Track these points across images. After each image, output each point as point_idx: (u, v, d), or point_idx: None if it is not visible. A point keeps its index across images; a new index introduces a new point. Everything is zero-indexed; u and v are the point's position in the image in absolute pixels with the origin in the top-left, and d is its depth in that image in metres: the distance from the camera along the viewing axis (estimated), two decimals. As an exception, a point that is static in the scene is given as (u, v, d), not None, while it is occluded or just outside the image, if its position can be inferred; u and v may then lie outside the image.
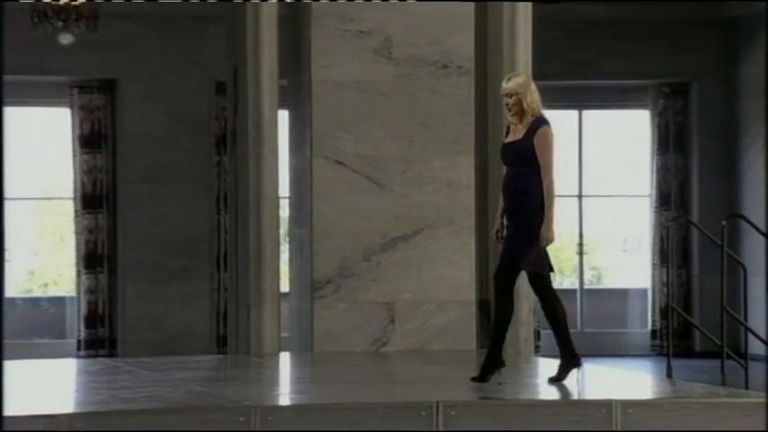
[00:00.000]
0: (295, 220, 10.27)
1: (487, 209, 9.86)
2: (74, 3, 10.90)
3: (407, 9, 9.67)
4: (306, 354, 9.82)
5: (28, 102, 13.71)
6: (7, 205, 14.36)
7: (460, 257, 9.72)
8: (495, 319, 7.70)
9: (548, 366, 8.19)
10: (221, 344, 13.43)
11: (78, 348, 13.44)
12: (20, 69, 13.08)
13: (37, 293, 14.99)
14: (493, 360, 7.54)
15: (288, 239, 10.81)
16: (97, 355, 13.24)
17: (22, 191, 14.01)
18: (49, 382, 8.64)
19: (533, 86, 7.67)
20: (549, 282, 7.58)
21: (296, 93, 10.11)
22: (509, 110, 7.58)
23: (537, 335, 12.30)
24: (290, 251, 10.44)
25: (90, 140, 13.60)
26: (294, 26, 10.01)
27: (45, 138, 14.25)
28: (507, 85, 7.62)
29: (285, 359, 9.82)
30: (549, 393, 7.31)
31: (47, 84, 13.55)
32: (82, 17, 10.96)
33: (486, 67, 9.93)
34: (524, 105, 7.55)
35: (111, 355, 13.37)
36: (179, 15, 13.48)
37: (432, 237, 9.76)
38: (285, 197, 10.43)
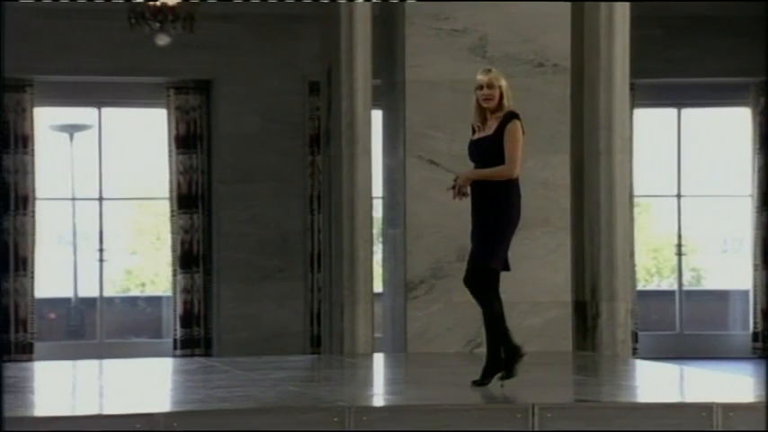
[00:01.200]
0: (388, 219, 10.25)
1: (583, 209, 9.76)
2: (170, 4, 10.98)
3: (502, 7, 9.60)
4: (399, 354, 9.79)
5: (125, 102, 13.85)
6: (105, 205, 14.53)
7: (556, 258, 9.63)
8: (491, 320, 7.47)
9: (646, 369, 8.07)
10: (315, 344, 13.46)
11: (174, 348, 13.55)
12: (117, 70, 13.25)
13: (134, 293, 15.16)
14: (496, 362, 7.42)
15: (381, 239, 10.79)
16: (193, 355, 13.34)
17: (120, 191, 14.17)
18: (147, 382, 8.71)
19: (506, 81, 7.53)
20: (497, 279, 7.44)
21: (390, 92, 10.08)
22: (488, 100, 7.41)
23: (634, 337, 12.16)
24: (384, 251, 10.42)
25: (186, 141, 13.70)
26: (388, 26, 9.99)
27: (142, 138, 14.39)
28: (488, 77, 7.45)
29: (379, 360, 9.80)
30: (648, 396, 7.20)
31: (144, 85, 13.68)
32: (178, 18, 11.05)
33: (583, 65, 9.82)
34: (505, 99, 7.43)
35: (207, 354, 13.47)
36: (274, 15, 13.54)
37: (526, 237, 9.67)
38: (378, 197, 10.41)
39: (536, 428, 6.45)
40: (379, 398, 7.75)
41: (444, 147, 9.70)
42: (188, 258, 13.68)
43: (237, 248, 13.62)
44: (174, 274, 13.71)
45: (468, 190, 7.38)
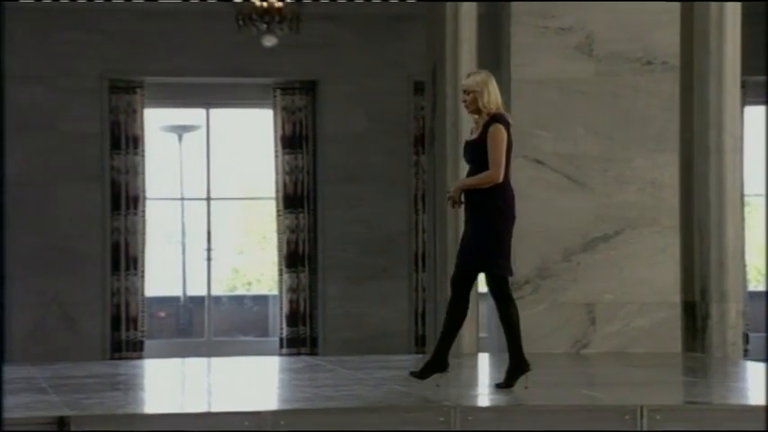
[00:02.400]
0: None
1: (692, 208, 9.63)
2: (277, 5, 11.05)
3: (610, 5, 9.51)
4: (505, 355, 9.74)
5: (233, 103, 13.98)
6: (213, 205, 14.64)
7: (664, 258, 9.52)
8: (447, 322, 7.51)
9: (757, 371, 7.94)
10: (419, 343, 13.46)
11: (281, 346, 13.65)
12: (225, 72, 13.38)
13: (241, 291, 15.30)
14: (440, 360, 7.51)
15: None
16: (299, 353, 13.42)
17: (227, 191, 14.31)
18: (254, 380, 8.78)
19: (492, 85, 7.47)
20: (507, 284, 7.43)
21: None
22: (466, 107, 7.46)
23: (745, 338, 11.96)
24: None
25: (291, 141, 13.79)
26: (493, 24, 9.95)
27: (249, 139, 14.52)
28: (465, 82, 7.50)
29: (484, 360, 9.76)
30: (759, 398, 7.08)
31: (251, 86, 13.80)
32: (285, 19, 11.12)
33: (692, 63, 9.69)
34: (480, 104, 7.40)
35: (312, 353, 13.53)
36: (379, 15, 13.57)
37: (634, 237, 9.58)
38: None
39: (645, 430, 6.37)
40: (484, 398, 7.72)
41: (550, 146, 9.64)
42: (294, 258, 13.76)
43: (342, 248, 13.68)
44: (280, 274, 13.80)
45: (462, 197, 7.40)
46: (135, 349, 13.23)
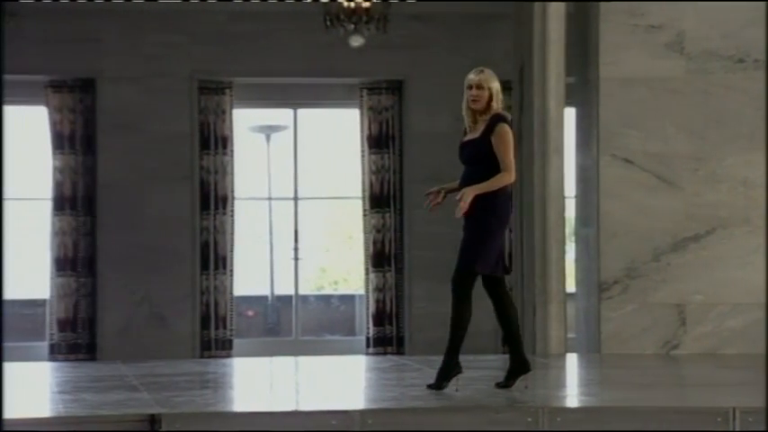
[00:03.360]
0: (581, 219, 10.15)
1: (785, 208, 9.50)
2: (365, 5, 11.08)
3: (701, 3, 9.41)
4: (593, 355, 9.69)
5: (320, 104, 14.03)
6: (300, 204, 14.66)
7: (756, 258, 9.39)
8: (460, 323, 7.49)
9: None
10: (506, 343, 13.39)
11: (367, 345, 13.68)
12: (313, 72, 13.43)
13: (328, 291, 15.36)
14: (453, 366, 7.46)
15: (573, 239, 10.70)
16: (385, 353, 13.44)
17: (314, 190, 14.36)
18: (341, 379, 8.81)
19: (498, 84, 7.37)
20: (504, 284, 7.36)
21: (583, 90, 9.98)
22: (475, 101, 7.25)
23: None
24: (576, 251, 10.32)
25: (378, 141, 13.81)
26: (581, 23, 9.89)
27: (335, 139, 14.57)
28: (478, 77, 7.30)
29: (572, 360, 9.71)
30: None
31: (338, 86, 13.84)
32: (372, 19, 11.14)
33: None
34: (493, 101, 7.27)
35: (399, 352, 13.54)
36: (466, 15, 13.54)
37: (725, 237, 9.47)
38: (571, 196, 10.31)
39: (737, 431, 6.30)
40: (572, 399, 7.68)
41: (639, 145, 9.56)
42: (380, 257, 13.79)
43: (429, 247, 13.67)
44: (367, 273, 13.83)
45: (457, 195, 7.30)
46: (224, 348, 13.34)
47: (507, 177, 7.23)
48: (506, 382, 7.45)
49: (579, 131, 10.10)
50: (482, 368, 9.26)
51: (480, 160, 7.27)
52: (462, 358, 9.99)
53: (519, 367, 7.48)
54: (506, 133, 7.25)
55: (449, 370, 7.50)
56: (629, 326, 9.43)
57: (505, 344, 7.55)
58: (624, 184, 9.53)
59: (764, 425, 6.29)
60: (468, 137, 7.40)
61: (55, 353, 12.97)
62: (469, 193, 7.22)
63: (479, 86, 7.29)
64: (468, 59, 13.66)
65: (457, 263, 7.46)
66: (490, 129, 7.25)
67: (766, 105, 9.39)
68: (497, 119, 7.29)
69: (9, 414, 6.94)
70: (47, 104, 13.13)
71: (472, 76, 7.37)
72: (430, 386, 7.51)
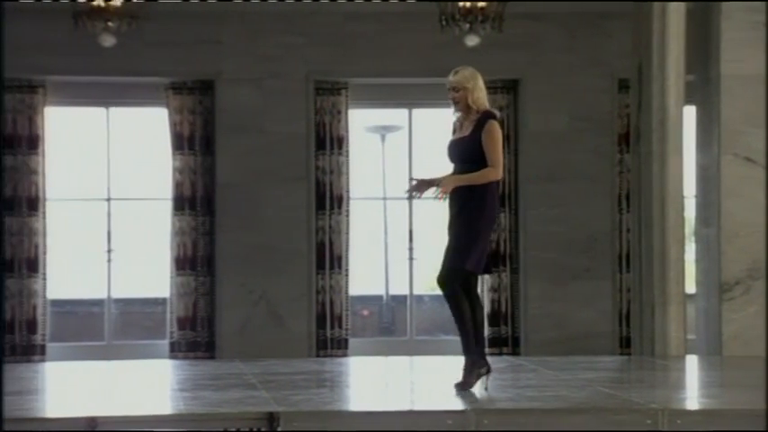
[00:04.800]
0: (701, 219, 10.00)
1: None
2: (480, 5, 11.05)
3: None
4: (714, 357, 9.54)
5: (434, 103, 14.00)
6: (414, 204, 14.63)
7: None
8: (459, 323, 7.41)
9: None
10: (624, 345, 13.27)
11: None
12: (427, 72, 13.43)
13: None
14: (475, 363, 7.39)
15: (693, 239, 10.55)
16: (501, 353, 13.39)
17: (430, 190, 14.33)
18: (457, 379, 8.78)
19: (480, 82, 7.35)
20: (476, 282, 7.37)
21: (703, 88, 9.84)
22: (455, 104, 7.29)
23: None
24: (696, 251, 10.18)
25: (493, 140, 13.75)
26: (702, 20, 9.75)
27: (448, 138, 14.54)
28: (453, 78, 7.31)
29: (692, 362, 9.57)
30: None
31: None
32: (487, 19, 11.11)
33: None
34: (469, 101, 7.27)
35: (514, 353, 13.48)
36: (583, 13, 13.43)
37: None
38: (691, 196, 10.18)
39: None
40: (693, 401, 7.57)
41: (761, 144, 9.40)
42: (495, 257, 13.74)
43: (544, 247, 13.59)
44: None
45: (440, 182, 7.34)
46: (339, 347, 13.41)
47: (493, 173, 7.28)
48: (464, 384, 7.43)
49: (699, 130, 9.95)
50: (599, 369, 9.18)
51: (470, 158, 7.34)
52: (579, 360, 9.90)
53: (474, 364, 7.49)
54: (495, 130, 7.31)
55: (473, 367, 7.47)
56: (752, 327, 9.27)
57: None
58: (746, 184, 9.37)
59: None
60: (457, 135, 7.48)
61: (175, 351, 13.15)
62: (450, 182, 7.31)
63: (455, 88, 7.46)
64: (583, 58, 13.58)
65: (447, 262, 7.46)
66: (479, 126, 7.32)
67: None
68: (486, 116, 7.35)
69: (132, 411, 7.05)
70: (167, 106, 13.32)
71: (449, 78, 7.54)
72: (457, 385, 7.52)
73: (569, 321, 13.52)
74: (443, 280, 7.49)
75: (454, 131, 7.55)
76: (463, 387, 7.46)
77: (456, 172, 7.45)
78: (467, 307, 7.48)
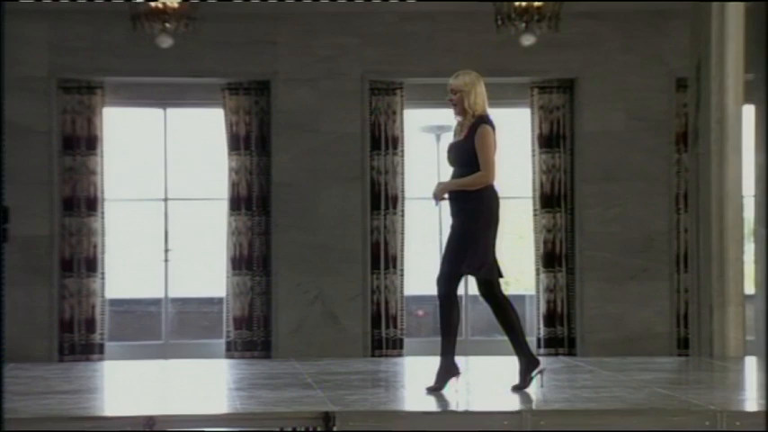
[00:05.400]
0: (760, 219, 9.91)
1: None
2: (536, 4, 11.01)
3: None
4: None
5: (491, 103, 13.93)
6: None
7: None
8: (444, 327, 7.50)
9: None
10: (681, 346, 13.17)
11: (538, 346, 13.58)
12: (482, 71, 13.38)
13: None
14: (449, 368, 7.46)
15: (752, 239, 10.46)
16: (556, 354, 13.34)
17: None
18: (513, 380, 8.76)
19: (481, 87, 7.45)
20: (499, 286, 7.35)
21: (762, 87, 9.75)
22: (453, 106, 7.38)
23: None
24: (755, 252, 10.09)
25: (549, 140, 13.72)
26: (761, 18, 9.65)
27: (507, 138, 14.51)
28: (453, 82, 7.40)
29: (751, 363, 9.48)
30: None
31: (508, 85, 13.77)
32: (544, 18, 11.07)
33: None
34: (466, 104, 7.34)
35: (570, 353, 13.42)
36: (640, 12, 13.35)
37: None
38: (750, 196, 10.09)
39: None
40: (751, 402, 7.50)
41: (821, 143, 9.28)
42: (551, 257, 13.68)
43: (601, 248, 13.52)
44: (537, 273, 13.74)
45: (446, 195, 7.39)
46: (394, 347, 13.41)
47: (484, 177, 7.35)
48: (523, 383, 7.50)
49: (759, 129, 9.86)
50: (656, 370, 9.12)
51: (466, 163, 7.44)
52: (636, 360, 9.86)
53: (529, 365, 7.55)
54: (488, 134, 7.39)
55: (529, 366, 7.54)
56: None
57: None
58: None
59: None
60: (455, 139, 7.58)
61: (231, 350, 13.21)
62: (442, 188, 7.42)
63: (453, 91, 7.56)
64: (640, 57, 13.49)
65: (448, 265, 7.50)
66: (474, 131, 7.40)
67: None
68: (480, 120, 7.44)
69: (189, 410, 7.09)
70: (224, 106, 13.39)
71: (450, 81, 7.64)
72: (515, 387, 7.58)
73: (626, 322, 13.45)
74: (445, 286, 7.58)
75: (455, 135, 7.69)
76: (434, 390, 7.54)
77: (453, 176, 7.58)
78: (514, 312, 7.60)
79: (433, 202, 7.57)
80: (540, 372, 7.57)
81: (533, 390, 7.65)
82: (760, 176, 9.85)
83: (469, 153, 7.45)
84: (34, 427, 6.64)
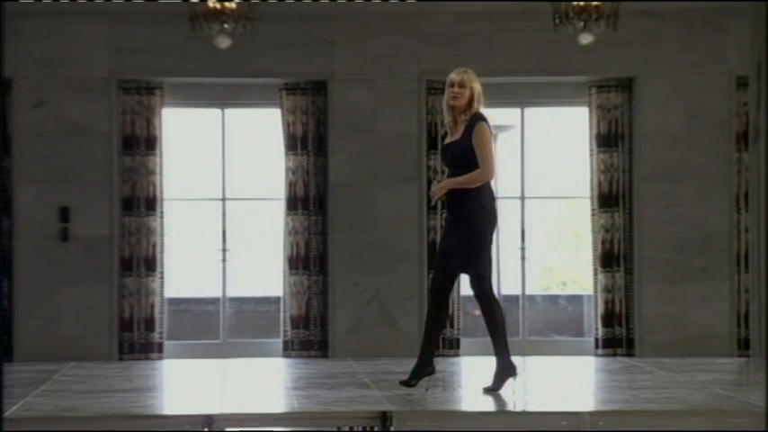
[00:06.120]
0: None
1: None
2: (595, 3, 10.95)
3: None
4: None
5: (548, 102, 13.93)
6: (527, 203, 14.60)
7: None
8: (429, 324, 7.45)
9: None
10: (742, 346, 13.06)
11: (596, 347, 13.53)
12: (540, 71, 13.36)
13: (555, 291, 15.24)
14: (424, 365, 7.42)
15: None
16: (614, 354, 13.26)
17: (541, 190, 14.28)
18: (570, 380, 8.72)
19: (480, 86, 7.43)
20: (491, 285, 7.32)
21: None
22: (456, 98, 7.33)
23: None
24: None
25: (606, 139, 13.64)
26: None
27: (564, 138, 14.46)
28: (460, 77, 7.36)
29: (812, 364, 9.37)
30: None
31: (565, 84, 13.72)
32: (602, 17, 11.01)
33: None
34: (474, 101, 7.34)
35: (629, 354, 13.35)
36: (699, 10, 13.25)
37: None
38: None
39: None
40: (813, 405, 7.41)
41: None
42: (609, 257, 13.61)
43: (659, 247, 13.43)
44: (595, 273, 13.67)
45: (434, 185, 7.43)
46: (451, 347, 13.40)
47: (483, 175, 7.35)
48: (495, 385, 7.50)
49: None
50: (716, 371, 9.05)
51: (464, 162, 7.42)
52: (695, 361, 9.80)
53: (506, 369, 7.48)
54: (485, 132, 7.39)
55: (505, 370, 7.56)
56: None
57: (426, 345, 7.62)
58: None
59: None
60: (450, 139, 7.55)
61: (288, 349, 13.25)
62: (441, 186, 7.43)
63: (461, 85, 7.51)
64: (699, 56, 13.39)
65: (457, 268, 7.48)
66: (470, 129, 7.38)
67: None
68: (476, 118, 7.43)
69: (247, 409, 7.13)
70: (281, 106, 13.44)
71: (454, 76, 7.64)
72: (486, 389, 7.58)
73: (686, 322, 13.35)
74: (442, 282, 7.59)
75: (445, 135, 7.69)
76: (407, 384, 7.58)
77: (450, 176, 7.59)
78: (501, 312, 7.64)
79: (432, 200, 7.68)
80: (514, 377, 7.61)
81: (508, 392, 7.67)
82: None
83: (467, 152, 7.45)
84: (95, 427, 6.70)
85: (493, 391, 7.56)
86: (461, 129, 7.54)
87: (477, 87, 7.60)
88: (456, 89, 7.58)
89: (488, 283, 7.57)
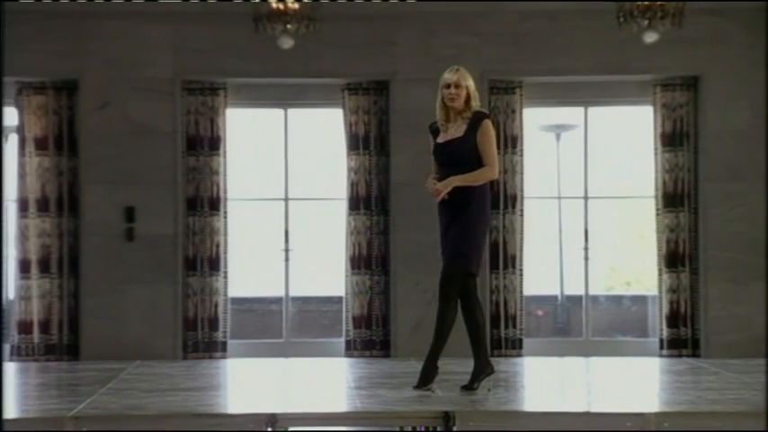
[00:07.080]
0: None
1: None
2: (659, 2, 10.88)
3: None
4: None
5: (612, 101, 13.84)
6: (590, 203, 14.51)
7: None
8: (443, 324, 7.45)
9: None
10: (808, 348, 12.91)
11: (661, 347, 13.43)
12: (603, 69, 13.29)
13: (618, 291, 15.15)
14: (431, 369, 7.52)
15: None
16: (680, 355, 13.16)
17: (605, 189, 14.21)
18: (635, 381, 8.67)
19: (473, 82, 7.37)
20: (476, 284, 7.33)
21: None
22: (453, 100, 7.25)
23: None
24: None
25: (671, 138, 13.54)
26: None
27: (628, 137, 14.37)
28: (457, 75, 7.31)
29: None
30: None
31: (629, 83, 13.63)
32: (667, 15, 10.93)
33: None
34: (471, 100, 7.31)
35: (694, 355, 13.24)
36: (764, 8, 13.10)
37: None
38: None
39: None
40: None
41: None
42: (674, 257, 13.51)
43: (725, 248, 13.31)
44: (660, 274, 13.58)
45: (436, 183, 7.41)
46: (514, 347, 13.35)
47: (490, 172, 7.34)
48: (471, 384, 7.45)
49: None
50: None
51: (464, 160, 7.37)
52: (762, 362, 9.69)
53: (483, 369, 7.45)
54: (491, 129, 7.38)
55: (482, 370, 7.52)
56: None
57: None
58: None
59: None
60: (448, 137, 7.47)
61: (351, 349, 13.28)
62: (448, 183, 7.42)
63: (457, 85, 7.46)
64: (765, 54, 13.23)
65: (451, 266, 7.44)
66: (474, 126, 7.33)
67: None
68: (481, 116, 7.42)
69: (311, 408, 7.15)
70: (343, 106, 13.47)
71: (448, 75, 7.58)
72: (463, 387, 7.57)
73: (752, 323, 13.22)
74: (446, 283, 7.57)
75: (437, 134, 7.65)
76: (465, 388, 7.55)
77: (445, 175, 7.54)
78: (451, 314, 7.63)
79: (437, 198, 7.61)
80: (489, 376, 7.62)
81: (483, 393, 7.64)
82: None
83: (470, 149, 7.43)
84: (161, 425, 6.75)
85: (469, 390, 7.61)
86: (462, 127, 7.54)
87: (472, 85, 7.65)
88: (453, 90, 7.60)
89: (474, 282, 7.59)
